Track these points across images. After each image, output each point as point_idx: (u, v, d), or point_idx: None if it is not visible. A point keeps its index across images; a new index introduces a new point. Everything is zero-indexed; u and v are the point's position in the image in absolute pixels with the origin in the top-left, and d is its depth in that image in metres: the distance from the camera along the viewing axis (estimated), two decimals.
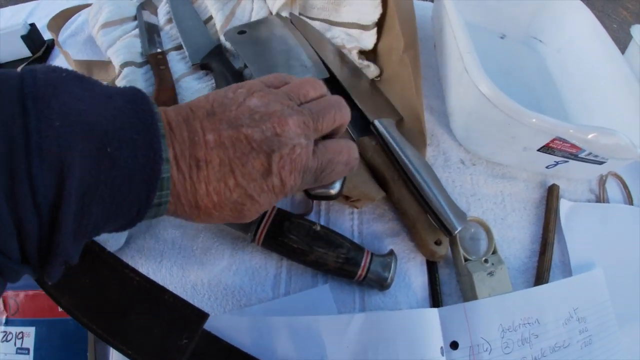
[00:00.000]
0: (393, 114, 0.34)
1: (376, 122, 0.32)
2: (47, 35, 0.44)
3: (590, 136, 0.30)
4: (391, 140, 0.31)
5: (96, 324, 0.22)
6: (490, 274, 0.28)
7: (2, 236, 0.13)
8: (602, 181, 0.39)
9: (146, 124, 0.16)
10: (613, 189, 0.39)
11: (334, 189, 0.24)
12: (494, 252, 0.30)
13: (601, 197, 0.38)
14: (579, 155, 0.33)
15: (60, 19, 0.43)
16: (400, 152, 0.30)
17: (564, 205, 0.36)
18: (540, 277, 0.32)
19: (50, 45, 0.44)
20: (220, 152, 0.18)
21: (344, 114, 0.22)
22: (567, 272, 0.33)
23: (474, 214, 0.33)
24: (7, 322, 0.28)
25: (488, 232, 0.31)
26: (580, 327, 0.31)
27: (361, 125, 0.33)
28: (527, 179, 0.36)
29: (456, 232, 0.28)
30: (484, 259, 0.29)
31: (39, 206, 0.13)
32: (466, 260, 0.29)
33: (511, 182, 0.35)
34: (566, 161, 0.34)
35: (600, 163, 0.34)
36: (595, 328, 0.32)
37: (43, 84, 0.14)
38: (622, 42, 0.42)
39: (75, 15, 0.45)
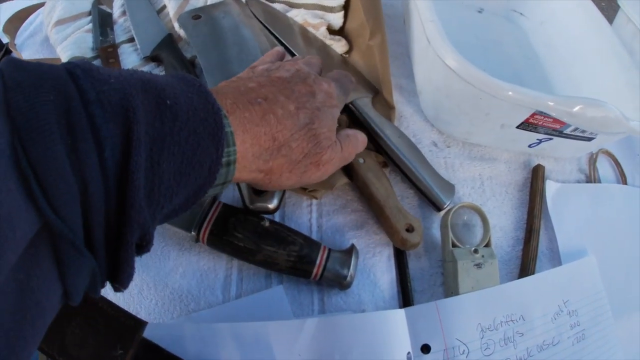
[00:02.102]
0: (368, 89, 0.32)
1: (350, 105, 0.30)
2: (5, 39, 0.43)
3: (575, 109, 0.27)
4: (368, 121, 0.29)
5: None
6: (478, 265, 0.26)
7: (65, 206, 0.11)
8: (592, 160, 0.35)
9: (195, 86, 0.16)
10: (604, 168, 0.36)
11: (272, 204, 0.24)
12: (488, 245, 0.27)
13: (592, 177, 0.35)
14: (564, 132, 0.30)
15: (17, 21, 0.42)
16: (379, 131, 0.28)
17: (551, 187, 0.32)
18: (525, 267, 0.29)
19: (9, 50, 0.43)
20: (268, 89, 0.20)
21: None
22: (556, 260, 0.30)
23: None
24: None
25: (484, 221, 0.28)
26: (571, 322, 0.28)
27: None
28: (508, 159, 0.33)
29: (445, 206, 0.26)
30: (474, 248, 0.26)
31: (105, 164, 0.12)
32: (454, 246, 0.26)
33: (490, 164, 0.32)
34: (550, 138, 0.31)
35: (589, 139, 0.31)
36: (588, 322, 0.29)
37: (86, 65, 0.13)
38: (610, 20, 0.38)
39: (33, 16, 0.43)
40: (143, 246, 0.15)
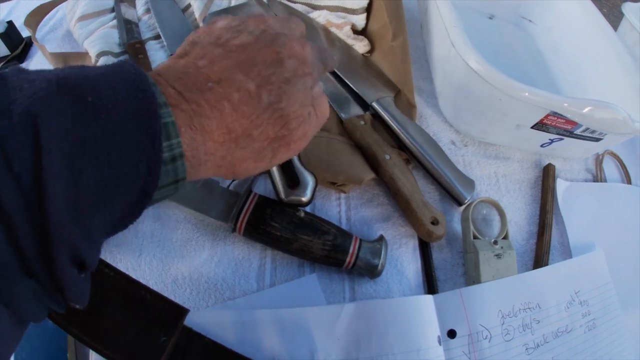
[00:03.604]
0: (390, 88, 0.33)
1: (374, 105, 0.31)
2: (25, 33, 0.43)
3: (585, 110, 0.29)
4: (390, 120, 0.30)
5: (71, 324, 0.21)
6: (498, 256, 0.27)
7: None
8: (598, 160, 0.37)
9: (128, 74, 0.14)
10: (610, 168, 0.38)
11: (306, 197, 0.25)
12: (505, 237, 0.29)
13: (598, 177, 0.37)
14: (575, 132, 0.32)
15: (38, 15, 0.42)
16: (401, 130, 0.30)
17: (561, 185, 0.34)
18: (540, 259, 0.31)
19: (29, 43, 0.43)
20: (222, 64, 0.16)
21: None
22: (567, 253, 0.32)
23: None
24: None
25: (502, 215, 0.30)
26: (582, 311, 0.30)
27: (358, 103, 0.33)
28: (521, 159, 0.35)
29: (466, 201, 0.27)
30: (493, 240, 0.28)
31: (20, 178, 0.11)
32: (475, 238, 0.28)
33: (505, 162, 0.34)
34: (561, 139, 0.33)
35: (597, 140, 0.33)
36: (598, 311, 0.30)
37: (8, 73, 0.12)
38: (613, 26, 0.41)
39: (54, 11, 0.44)
40: (84, 266, 0.13)
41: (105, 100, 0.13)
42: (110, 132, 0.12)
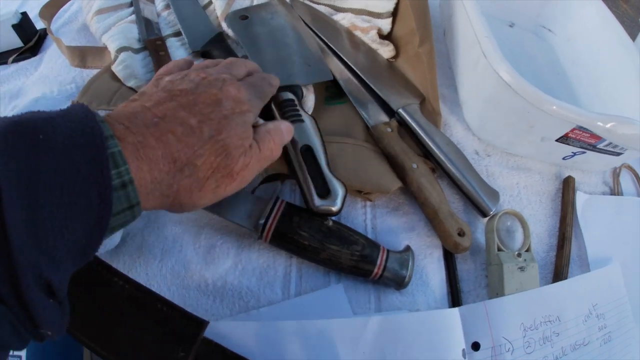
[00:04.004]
0: (416, 95, 0.33)
1: (401, 112, 0.31)
2: (39, 25, 0.42)
3: (609, 125, 0.29)
4: (417, 128, 0.30)
5: (87, 337, 0.21)
6: (521, 268, 0.27)
7: None
8: (615, 173, 0.38)
9: (78, 114, 0.16)
10: (626, 181, 0.38)
11: (336, 206, 0.25)
12: (528, 250, 0.29)
13: (615, 190, 0.37)
14: (597, 146, 0.32)
15: (53, 7, 0.41)
16: (427, 139, 0.29)
17: (580, 198, 0.34)
18: (559, 272, 0.31)
19: (43, 35, 0.42)
20: (167, 105, 0.18)
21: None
22: (585, 266, 0.32)
23: None
24: None
25: (525, 227, 0.30)
26: (599, 324, 0.30)
27: (383, 109, 0.32)
28: (542, 170, 0.35)
29: (491, 212, 0.27)
30: (517, 252, 0.28)
31: None
32: (499, 250, 0.28)
33: (526, 173, 0.34)
34: (584, 152, 0.33)
35: (618, 154, 0.33)
36: (614, 324, 0.31)
37: None
38: (631, 38, 0.41)
39: (69, 3, 0.43)
40: (52, 290, 0.14)
41: (58, 137, 0.14)
42: (62, 163, 0.14)
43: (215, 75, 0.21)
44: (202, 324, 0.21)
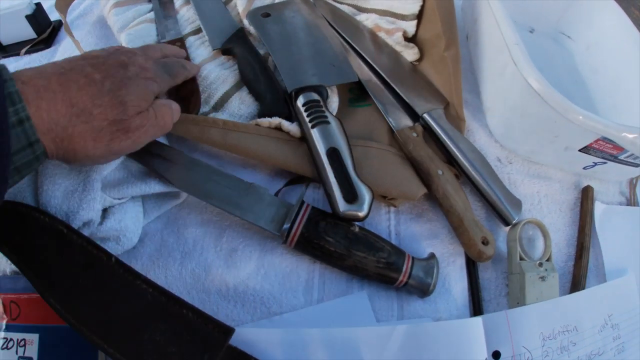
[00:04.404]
0: (440, 100, 0.32)
1: (426, 116, 0.30)
2: (53, 16, 0.41)
3: (632, 136, 0.28)
4: (442, 134, 0.30)
5: (107, 343, 0.20)
6: (542, 278, 0.27)
7: None
8: (632, 184, 0.38)
9: None
10: None
11: (363, 211, 0.25)
12: (549, 259, 0.29)
13: (631, 200, 0.37)
14: (619, 157, 0.32)
15: None
16: (452, 145, 0.29)
17: (598, 208, 0.34)
18: (577, 283, 0.31)
19: (57, 27, 0.41)
20: (78, 62, 0.20)
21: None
22: (601, 276, 0.32)
23: None
24: (8, 328, 0.26)
25: (546, 236, 0.30)
26: (613, 334, 0.30)
27: (407, 113, 0.32)
28: (561, 179, 0.35)
29: (514, 221, 0.27)
30: (538, 262, 0.28)
31: None
32: (521, 259, 0.28)
33: (547, 182, 0.34)
34: (604, 162, 0.33)
35: (637, 165, 0.33)
36: (627, 335, 0.31)
37: None
38: None
39: None
40: None
41: None
42: None
43: (128, 49, 0.24)
44: (228, 331, 0.21)
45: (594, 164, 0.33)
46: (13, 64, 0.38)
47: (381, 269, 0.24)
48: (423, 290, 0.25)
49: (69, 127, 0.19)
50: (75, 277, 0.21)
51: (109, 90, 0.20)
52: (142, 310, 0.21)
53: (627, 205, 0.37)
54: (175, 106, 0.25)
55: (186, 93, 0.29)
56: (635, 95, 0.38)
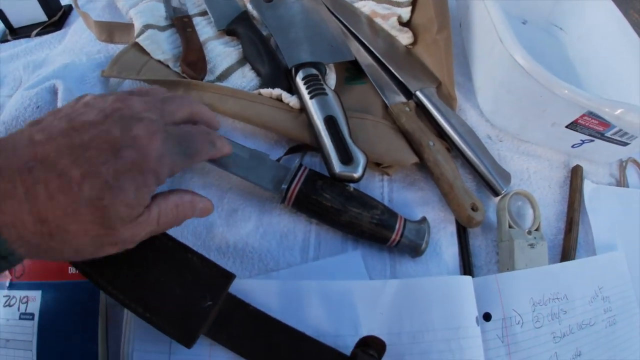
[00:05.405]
0: (432, 80, 0.34)
1: (418, 94, 0.32)
2: (64, 1, 0.43)
3: (617, 112, 0.30)
4: (434, 110, 0.31)
5: (112, 285, 0.21)
6: (532, 245, 0.28)
7: None
8: (622, 166, 0.39)
9: None
10: (632, 175, 0.39)
11: (357, 173, 0.26)
12: (538, 229, 0.30)
13: (621, 182, 0.38)
14: (606, 134, 0.33)
15: None
16: (443, 120, 0.30)
17: (587, 187, 0.35)
18: (567, 254, 0.32)
19: (67, 11, 0.43)
20: (56, 143, 0.15)
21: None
22: (591, 251, 0.33)
23: None
24: (11, 286, 0.26)
25: (535, 207, 0.31)
26: (604, 306, 0.31)
27: (401, 91, 0.34)
28: (551, 158, 0.36)
29: (503, 191, 0.28)
30: (527, 230, 0.29)
31: None
32: (510, 227, 0.29)
33: (536, 160, 0.35)
34: (592, 140, 0.34)
35: (624, 144, 0.34)
36: (618, 308, 0.31)
37: None
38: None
39: None
40: None
41: None
42: None
43: (134, 111, 0.17)
44: (229, 275, 0.22)
45: (582, 142, 0.34)
46: (24, 45, 0.40)
47: (375, 225, 0.25)
48: (415, 249, 0.26)
49: (42, 244, 0.15)
50: None
51: (88, 198, 0.15)
52: (148, 254, 0.21)
53: (617, 186, 0.38)
54: (205, 205, 0.20)
55: (193, 59, 0.31)
56: (625, 83, 0.40)
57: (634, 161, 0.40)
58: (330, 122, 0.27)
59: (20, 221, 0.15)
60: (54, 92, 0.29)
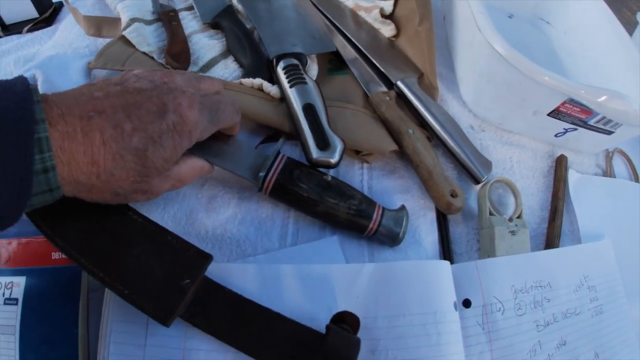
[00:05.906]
0: (414, 70, 0.34)
1: (399, 84, 0.32)
2: None
3: (601, 99, 0.30)
4: (414, 99, 0.31)
5: (93, 263, 0.21)
6: (513, 232, 0.28)
7: None
8: (608, 157, 0.39)
9: (14, 93, 0.16)
10: (618, 166, 0.39)
11: (334, 158, 0.26)
12: (519, 217, 0.30)
13: (608, 172, 0.38)
14: (588, 122, 0.33)
15: None
16: (424, 109, 0.31)
17: (572, 176, 0.35)
18: (550, 243, 0.32)
19: (58, 8, 0.44)
20: (112, 100, 0.18)
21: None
22: (577, 240, 0.33)
23: None
24: None
25: (517, 195, 0.31)
26: (590, 295, 0.31)
27: (382, 82, 0.34)
28: (534, 148, 0.36)
29: (483, 179, 0.28)
30: (508, 217, 0.29)
31: None
32: (491, 214, 0.29)
33: (519, 150, 0.35)
34: (575, 129, 0.34)
35: (609, 133, 0.34)
36: (605, 298, 0.31)
37: None
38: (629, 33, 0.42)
39: None
40: None
41: None
42: None
43: (178, 85, 0.20)
44: (207, 256, 0.22)
45: (565, 130, 0.34)
46: (15, 41, 0.41)
47: (352, 215, 0.26)
48: (392, 238, 0.26)
49: (88, 184, 0.18)
50: (66, 203, 0.22)
51: (134, 148, 0.18)
52: (130, 235, 0.22)
53: (604, 177, 0.38)
54: (200, 164, 0.24)
55: (177, 50, 0.32)
56: (611, 76, 0.40)
57: (621, 152, 0.40)
58: (309, 109, 0.28)
59: (75, 160, 0.17)
60: (33, 82, 0.29)
